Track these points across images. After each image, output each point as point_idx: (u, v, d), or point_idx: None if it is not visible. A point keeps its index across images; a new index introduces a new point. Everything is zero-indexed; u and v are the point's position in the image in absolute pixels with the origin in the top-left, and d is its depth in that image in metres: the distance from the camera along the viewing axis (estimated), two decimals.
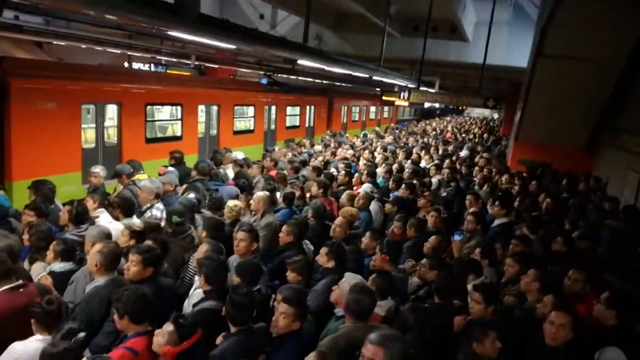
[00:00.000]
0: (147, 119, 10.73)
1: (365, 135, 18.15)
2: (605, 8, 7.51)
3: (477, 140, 20.16)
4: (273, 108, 16.32)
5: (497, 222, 6.42)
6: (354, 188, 7.82)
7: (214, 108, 13.16)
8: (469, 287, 4.20)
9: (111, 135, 9.95)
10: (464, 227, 6.13)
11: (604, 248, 5.79)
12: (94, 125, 9.34)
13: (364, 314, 3.34)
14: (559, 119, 10.79)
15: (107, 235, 4.18)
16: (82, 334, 2.87)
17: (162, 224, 5.13)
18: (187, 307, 3.85)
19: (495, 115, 43.89)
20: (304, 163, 9.26)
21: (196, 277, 4.00)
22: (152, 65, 16.15)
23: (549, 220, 6.65)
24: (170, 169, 7.45)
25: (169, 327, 2.89)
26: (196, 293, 3.86)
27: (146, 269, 3.67)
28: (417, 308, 3.53)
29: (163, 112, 12.40)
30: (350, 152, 11.44)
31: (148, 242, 4.02)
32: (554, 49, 9.20)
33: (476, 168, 11.02)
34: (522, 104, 11.47)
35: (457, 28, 14.06)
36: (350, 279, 3.77)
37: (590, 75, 9.25)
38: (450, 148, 15.61)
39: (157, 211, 5.65)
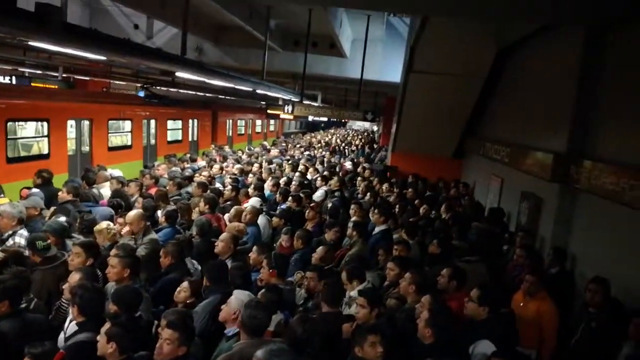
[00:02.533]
0: (9, 137, 9.67)
1: (251, 149, 18.07)
2: (465, 28, 8.26)
3: (359, 151, 21.06)
4: (152, 122, 15.61)
5: (377, 229, 6.72)
6: (241, 203, 7.72)
7: (86, 123, 12.25)
8: (354, 293, 4.34)
9: None
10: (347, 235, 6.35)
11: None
12: None
13: (260, 329, 3.31)
14: (430, 130, 11.65)
15: None
16: None
17: (26, 252, 4.62)
18: (61, 340, 3.50)
19: (375, 128, 46.21)
20: (189, 179, 8.94)
21: (71, 308, 3.65)
22: (13, 77, 14.66)
23: (425, 225, 7.11)
24: (35, 190, 6.74)
25: None
26: (71, 325, 3.52)
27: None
28: (305, 319, 3.54)
29: (27, 129, 11.25)
30: (238, 166, 11.29)
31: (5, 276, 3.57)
32: (422, 65, 9.91)
33: (359, 178, 11.49)
34: (397, 117, 12.21)
35: (336, 44, 14.58)
36: (239, 295, 3.70)
37: (456, 89, 10.12)
38: (334, 159, 16.13)
39: (21, 238, 5.06)
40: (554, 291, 4.95)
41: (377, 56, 15.91)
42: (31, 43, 5.15)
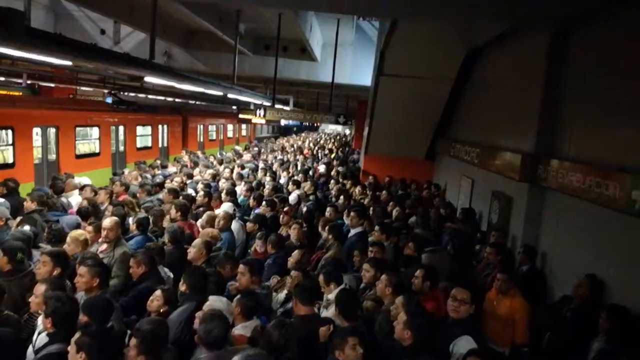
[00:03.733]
0: None
1: (222, 155, 17.91)
2: (432, 30, 8.36)
3: (332, 155, 21.11)
4: (121, 128, 15.32)
5: (353, 231, 6.74)
6: (214, 208, 7.63)
7: (52, 130, 11.94)
8: (331, 295, 4.33)
9: None
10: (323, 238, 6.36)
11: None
12: None
13: (217, 342, 3.25)
14: (401, 133, 11.75)
15: None
16: None
17: None
18: (30, 354, 3.40)
19: (347, 131, 46.44)
20: (160, 185, 8.78)
21: (39, 320, 3.52)
22: None
23: (399, 227, 7.16)
24: (0, 200, 6.52)
25: None
26: (41, 337, 3.40)
27: None
28: (282, 324, 3.51)
29: None
30: (210, 171, 11.17)
31: None
32: (392, 68, 9.98)
33: (332, 181, 11.51)
34: (369, 120, 12.29)
35: (306, 48, 14.59)
36: (213, 302, 3.65)
37: (426, 91, 10.22)
38: (308, 163, 16.12)
39: None
40: (526, 289, 5.05)
41: (348, 60, 16.01)
42: None
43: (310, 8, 10.47)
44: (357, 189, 10.39)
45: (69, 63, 5.94)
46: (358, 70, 15.97)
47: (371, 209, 8.29)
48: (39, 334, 3.49)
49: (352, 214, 6.95)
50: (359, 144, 20.66)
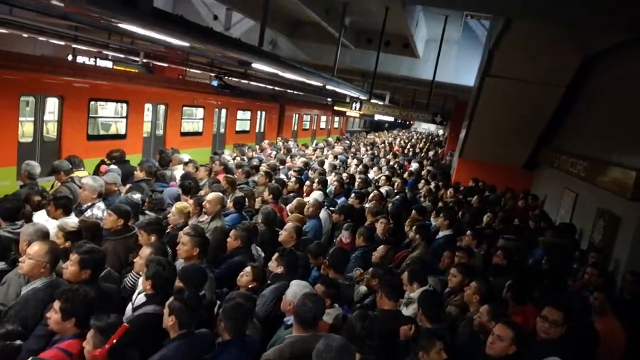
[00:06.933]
0: (91, 115, 10.29)
1: (316, 144, 18.21)
2: (549, 34, 7.88)
3: (423, 154, 20.70)
4: (223, 111, 16.08)
5: (441, 233, 6.58)
6: (303, 196, 7.79)
7: (162, 107, 12.80)
8: (414, 294, 4.27)
9: (50, 130, 9.44)
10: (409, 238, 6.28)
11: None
12: (32, 118, 8.85)
13: (309, 320, 3.29)
14: (501, 138, 11.25)
15: (45, 234, 3.91)
16: (19, 342, 2.67)
17: (102, 223, 4.89)
18: (129, 311, 3.66)
19: (440, 132, 45.28)
20: (256, 168, 9.14)
21: (139, 280, 3.81)
22: (97, 59, 15.56)
23: (491, 234, 6.88)
24: (113, 167, 7.13)
25: (90, 332, 2.79)
26: (140, 297, 3.68)
27: (83, 271, 3.46)
28: (365, 316, 3.52)
29: (107, 109, 11.92)
30: (302, 159, 11.42)
31: (91, 245, 3.78)
32: (500, 69, 9.56)
33: (422, 181, 11.29)
34: (468, 122, 11.87)
35: (409, 44, 14.35)
36: (296, 286, 3.73)
37: (534, 96, 9.69)
38: (399, 160, 15.94)
39: (98, 210, 5.38)
40: (627, 318, 4.63)
41: (452, 58, 15.55)
42: (122, 26, 5.34)
43: (427, 3, 10.24)
44: (449, 191, 10.10)
45: (186, 44, 6.30)
46: (461, 69, 15.47)
47: (460, 212, 8.03)
48: (139, 293, 3.75)
49: (441, 215, 6.78)
50: (453, 145, 20.05)
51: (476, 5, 6.96)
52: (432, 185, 10.60)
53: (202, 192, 6.54)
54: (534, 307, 4.28)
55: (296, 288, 3.68)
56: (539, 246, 6.99)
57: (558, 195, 9.77)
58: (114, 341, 2.68)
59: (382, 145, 22.87)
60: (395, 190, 9.64)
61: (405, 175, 12.35)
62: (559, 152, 9.53)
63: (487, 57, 9.77)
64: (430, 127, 49.27)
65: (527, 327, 4.14)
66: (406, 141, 29.48)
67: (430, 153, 23.10)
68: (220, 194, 5.79)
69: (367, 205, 7.66)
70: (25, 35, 9.54)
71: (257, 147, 13.20)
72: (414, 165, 14.45)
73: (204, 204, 5.56)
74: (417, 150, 24.02)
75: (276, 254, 4.41)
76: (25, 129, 8.84)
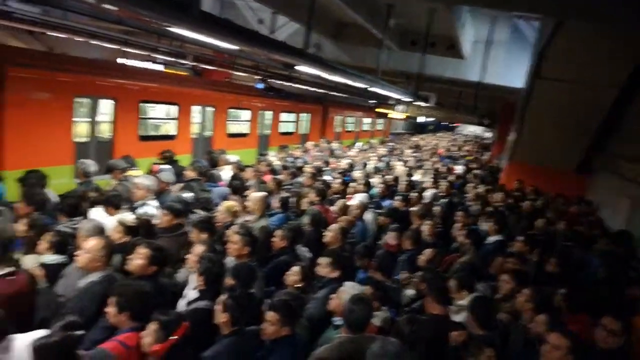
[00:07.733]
0: (141, 116, 10.63)
1: (359, 146, 18.17)
2: (602, 36, 7.57)
3: (472, 157, 20.26)
4: (268, 113, 16.27)
5: (491, 239, 6.41)
6: (347, 197, 7.78)
7: (209, 109, 13.08)
8: (462, 301, 4.18)
9: (104, 131, 9.81)
10: (458, 242, 6.14)
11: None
12: (88, 119, 9.22)
13: (357, 324, 3.30)
14: (552, 141, 10.89)
15: (101, 230, 4.09)
16: (80, 332, 2.79)
17: (154, 221, 5.04)
18: (181, 306, 3.77)
19: (487, 134, 44.22)
20: (301, 169, 9.21)
21: (191, 276, 3.91)
22: (149, 62, 16.04)
23: (544, 240, 6.65)
24: (166, 167, 7.34)
25: (153, 325, 2.88)
26: (191, 292, 3.78)
27: (150, 266, 3.63)
28: (414, 320, 3.48)
29: (158, 110, 12.29)
30: (347, 161, 11.42)
31: (159, 243, 3.93)
32: (551, 71, 9.27)
33: (470, 184, 11.05)
34: (518, 125, 11.55)
35: (455, 45, 14.09)
36: (349, 288, 3.72)
37: (585, 99, 9.34)
38: (445, 163, 15.69)
39: (151, 208, 5.55)
40: None
41: (499, 59, 15.13)
42: (172, 29, 5.47)
43: (473, 3, 10.05)
44: (499, 196, 9.80)
45: (234, 47, 6.41)
46: (509, 70, 15.04)
47: (512, 217, 7.81)
48: (192, 289, 3.86)
49: (492, 220, 6.62)
50: (500, 149, 19.53)
51: (526, 5, 6.74)
52: (481, 189, 10.35)
53: (249, 192, 6.63)
54: (588, 316, 4.12)
55: (348, 290, 3.69)
56: (593, 254, 6.72)
57: (614, 201, 9.35)
58: (176, 337, 2.76)
59: (427, 148, 22.56)
60: (442, 194, 9.48)
61: (451, 178, 12.13)
62: (615, 157, 9.14)
63: (538, 59, 9.49)
64: (476, 131, 48.14)
65: (582, 337, 4.00)
66: (452, 144, 28.95)
67: (484, 157, 22.48)
68: (262, 194, 5.85)
69: (412, 208, 7.56)
70: (78, 39, 9.95)
71: (300, 148, 13.27)
72: (460, 168, 14.16)
73: (246, 203, 5.65)
74: (464, 152, 23.54)
75: (329, 259, 4.35)
76: (81, 129, 9.21)
